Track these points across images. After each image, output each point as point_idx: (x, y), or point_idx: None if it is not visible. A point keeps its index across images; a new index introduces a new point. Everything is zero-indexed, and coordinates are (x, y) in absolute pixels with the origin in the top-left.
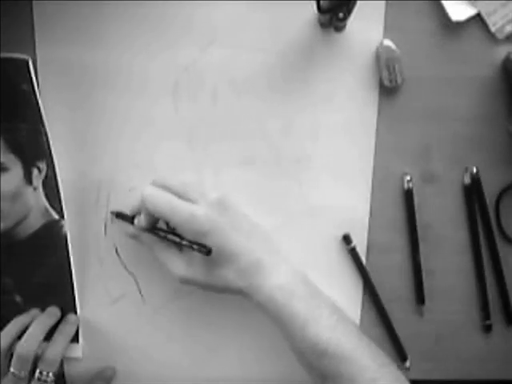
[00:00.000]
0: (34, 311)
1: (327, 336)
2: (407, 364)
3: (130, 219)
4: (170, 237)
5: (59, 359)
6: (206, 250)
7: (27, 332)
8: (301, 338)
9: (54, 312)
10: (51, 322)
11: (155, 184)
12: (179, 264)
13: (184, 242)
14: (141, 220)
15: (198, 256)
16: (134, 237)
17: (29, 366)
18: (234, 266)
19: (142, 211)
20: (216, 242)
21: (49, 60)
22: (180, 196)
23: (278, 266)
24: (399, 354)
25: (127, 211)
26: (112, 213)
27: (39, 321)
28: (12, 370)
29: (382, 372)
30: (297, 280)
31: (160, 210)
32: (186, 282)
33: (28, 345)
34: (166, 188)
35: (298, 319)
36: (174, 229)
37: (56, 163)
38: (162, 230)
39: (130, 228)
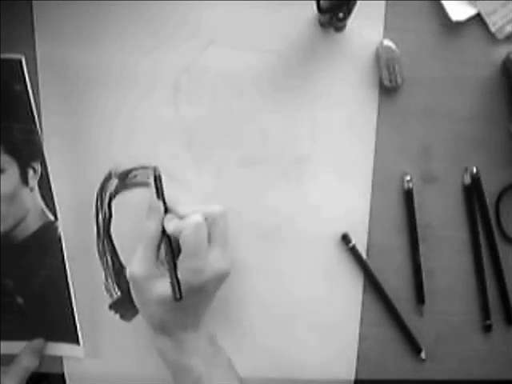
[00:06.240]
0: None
1: None
2: (422, 355)
3: (163, 204)
4: (168, 252)
5: None
6: (178, 297)
7: None
8: None
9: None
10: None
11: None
12: (142, 263)
13: (173, 271)
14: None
15: (164, 281)
16: (148, 213)
17: None
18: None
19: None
20: (202, 296)
21: (49, 59)
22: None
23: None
24: (412, 347)
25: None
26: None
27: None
28: None
29: None
30: (206, 340)
31: (197, 245)
32: (132, 280)
33: None
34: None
35: (191, 374)
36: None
37: (48, 163)
38: (170, 241)
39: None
